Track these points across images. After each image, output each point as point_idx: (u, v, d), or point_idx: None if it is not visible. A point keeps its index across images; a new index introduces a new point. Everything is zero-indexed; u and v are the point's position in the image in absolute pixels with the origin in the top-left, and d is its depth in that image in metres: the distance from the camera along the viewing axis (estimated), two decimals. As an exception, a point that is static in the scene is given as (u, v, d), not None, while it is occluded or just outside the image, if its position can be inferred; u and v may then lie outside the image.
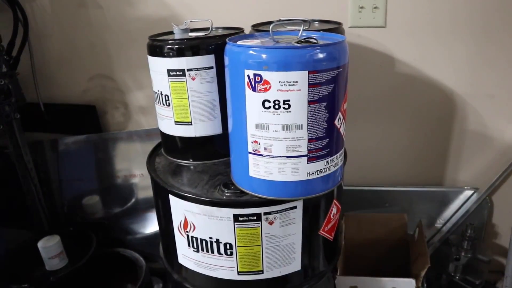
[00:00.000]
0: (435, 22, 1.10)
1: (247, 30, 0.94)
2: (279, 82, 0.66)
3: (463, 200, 1.28)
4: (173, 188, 0.81)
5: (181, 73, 0.83)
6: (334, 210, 0.87)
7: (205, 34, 0.89)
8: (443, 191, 1.30)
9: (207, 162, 0.92)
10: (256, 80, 0.67)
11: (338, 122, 0.73)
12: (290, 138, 0.70)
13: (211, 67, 0.84)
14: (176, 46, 0.82)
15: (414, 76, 1.17)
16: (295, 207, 0.79)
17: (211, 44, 0.83)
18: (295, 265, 0.83)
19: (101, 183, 1.43)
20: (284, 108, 0.68)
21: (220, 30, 0.94)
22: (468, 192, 1.28)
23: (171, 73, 0.84)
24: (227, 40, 0.74)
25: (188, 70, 0.83)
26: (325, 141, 0.72)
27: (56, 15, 1.25)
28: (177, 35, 0.86)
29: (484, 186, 1.26)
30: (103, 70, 1.30)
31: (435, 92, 1.19)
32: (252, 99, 0.69)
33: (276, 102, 0.68)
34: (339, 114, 0.73)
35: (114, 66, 1.29)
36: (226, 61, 0.73)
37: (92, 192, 1.47)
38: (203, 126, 0.88)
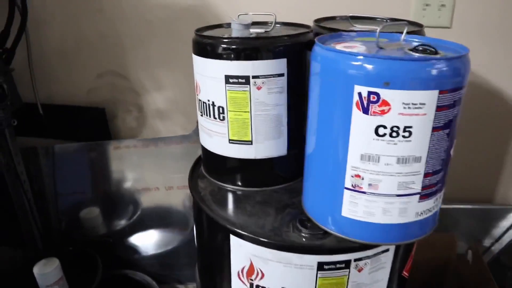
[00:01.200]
0: (507, 26, 0.97)
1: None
2: (403, 103, 0.51)
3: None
4: (236, 227, 0.65)
5: (244, 80, 0.66)
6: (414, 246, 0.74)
7: (266, 31, 0.72)
8: (493, 208, 1.19)
9: (266, 189, 0.75)
10: (371, 99, 0.52)
11: (452, 151, 0.59)
12: (404, 173, 0.55)
13: (282, 74, 0.67)
14: (241, 47, 0.65)
15: (475, 83, 1.04)
16: (387, 250, 0.64)
17: (283, 45, 0.66)
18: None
19: (101, 194, 1.24)
20: (403, 136, 0.53)
21: (278, 26, 0.77)
22: (521, 210, 1.17)
23: (231, 80, 0.67)
24: (317, 41, 0.58)
25: (254, 77, 0.66)
26: (440, 175, 0.58)
27: (58, -1, 1.05)
28: (237, 32, 0.68)
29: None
30: (115, 67, 1.10)
31: (496, 101, 1.06)
32: (361, 123, 0.54)
33: (395, 129, 0.53)
34: (455, 141, 0.58)
35: (128, 62, 1.09)
36: (316, 68, 0.57)
37: (91, 204, 1.28)
38: (265, 146, 0.71)
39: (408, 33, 0.70)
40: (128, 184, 1.18)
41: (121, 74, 1.10)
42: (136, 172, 1.17)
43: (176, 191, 1.19)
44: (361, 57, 0.51)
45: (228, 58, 0.65)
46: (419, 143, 0.54)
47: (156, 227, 1.27)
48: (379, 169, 0.55)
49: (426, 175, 0.56)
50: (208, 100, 0.71)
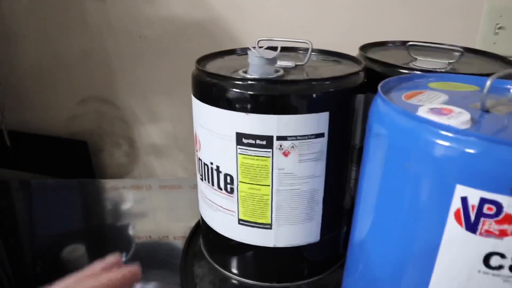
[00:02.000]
0: None
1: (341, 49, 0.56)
2: (541, 221, 0.30)
3: None
4: None
5: (264, 142, 0.45)
6: None
7: (297, 66, 0.51)
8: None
9: (287, 285, 0.54)
10: (485, 212, 0.30)
11: None
12: (522, 322, 0.34)
13: (321, 135, 0.46)
14: (262, 93, 0.44)
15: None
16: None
17: (326, 93, 0.45)
18: None
19: (85, 235, 1.04)
20: (532, 270, 0.31)
21: (313, 54, 0.56)
22: None
23: (245, 141, 0.46)
24: (380, 90, 0.37)
25: (280, 138, 0.45)
26: None
27: (34, 8, 0.84)
28: (256, 68, 0.47)
29: None
30: (101, 91, 0.90)
31: None
32: (460, 245, 0.32)
33: (520, 259, 0.31)
34: None
35: (116, 86, 0.89)
36: (381, 135, 0.36)
37: (75, 241, 1.07)
38: (290, 232, 0.50)
39: (488, 75, 0.49)
40: (114, 230, 0.98)
41: (108, 100, 0.90)
42: (126, 218, 0.97)
43: (172, 241, 0.98)
44: (474, 139, 0.30)
45: (243, 109, 0.44)
46: (557, 280, 0.32)
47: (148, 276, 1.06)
48: (482, 314, 0.34)
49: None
50: (211, 163, 0.50)
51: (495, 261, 0.31)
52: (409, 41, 0.60)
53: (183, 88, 0.85)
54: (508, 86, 0.42)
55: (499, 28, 0.74)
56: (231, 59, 0.57)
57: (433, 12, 0.75)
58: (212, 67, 0.52)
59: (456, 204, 0.31)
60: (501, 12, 0.72)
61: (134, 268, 0.37)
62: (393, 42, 0.65)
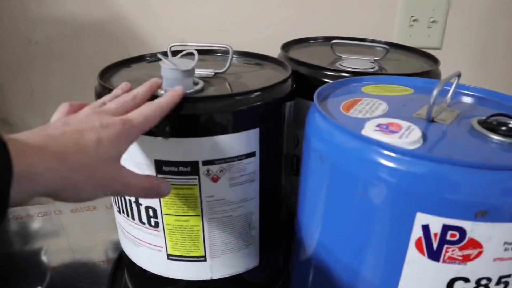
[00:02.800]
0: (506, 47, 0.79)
1: (265, 50, 0.51)
2: (504, 243, 0.27)
3: None
4: None
5: (189, 169, 0.39)
6: None
7: (216, 74, 0.45)
8: None
9: (228, 318, 0.49)
10: (448, 239, 0.27)
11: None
12: None
13: (252, 154, 0.40)
14: (181, 113, 0.37)
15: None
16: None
17: (255, 107, 0.39)
18: None
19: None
20: (495, 292, 0.29)
21: (229, 61, 0.50)
22: None
23: (166, 169, 0.39)
24: (317, 103, 0.33)
25: (206, 163, 0.39)
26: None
27: None
28: (170, 81, 0.40)
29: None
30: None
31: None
32: (423, 275, 0.29)
33: (483, 283, 0.29)
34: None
35: (6, 100, 0.76)
36: (322, 150, 0.32)
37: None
38: (227, 262, 0.45)
39: (418, 74, 0.48)
40: (23, 262, 0.85)
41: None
42: (36, 249, 0.84)
43: (93, 267, 0.88)
44: (434, 164, 0.26)
45: (160, 132, 0.37)
46: (517, 297, 0.31)
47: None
48: None
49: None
50: (127, 197, 0.42)
51: (459, 285, 0.29)
52: (332, 38, 0.56)
53: (88, 96, 0.75)
54: (449, 93, 0.40)
55: (414, 20, 0.74)
56: (140, 68, 0.49)
57: (349, 6, 0.73)
58: (118, 80, 0.44)
59: (417, 233, 0.28)
60: (415, 5, 0.72)
61: None
62: (315, 39, 0.61)
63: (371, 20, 0.74)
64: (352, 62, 0.51)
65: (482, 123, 0.33)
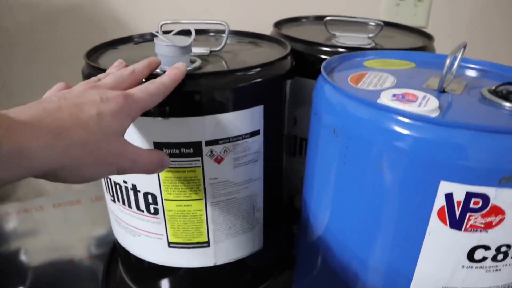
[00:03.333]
0: (493, 25, 0.80)
1: (261, 29, 0.50)
2: (526, 208, 0.27)
3: None
4: None
5: (191, 150, 0.37)
6: None
7: (212, 52, 0.44)
8: None
9: (232, 304, 0.48)
10: (472, 207, 0.27)
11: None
12: (500, 308, 0.32)
13: (257, 132, 0.39)
14: (184, 91, 0.35)
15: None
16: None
17: (259, 83, 0.38)
18: None
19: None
20: (513, 257, 0.29)
21: (221, 36, 0.48)
22: None
23: (166, 152, 0.37)
24: (326, 76, 0.31)
25: (209, 143, 0.37)
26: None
27: None
28: (167, 59, 0.38)
29: None
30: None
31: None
32: (444, 243, 0.29)
33: (503, 250, 0.29)
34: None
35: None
36: (337, 124, 0.31)
37: None
38: (231, 246, 0.43)
39: (413, 49, 0.48)
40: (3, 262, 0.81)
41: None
42: (17, 247, 0.80)
43: (80, 263, 0.85)
44: (460, 130, 0.25)
45: (159, 112, 0.35)
46: (532, 261, 0.31)
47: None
48: (464, 310, 0.31)
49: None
50: (125, 182, 0.40)
51: (479, 254, 0.29)
52: (324, 16, 0.55)
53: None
54: (437, 61, 0.40)
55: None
56: (128, 49, 0.47)
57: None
58: (106, 61, 0.42)
59: (439, 202, 0.27)
60: (402, -17, 0.72)
61: None
62: (306, 17, 0.60)
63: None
64: (347, 38, 0.50)
65: (493, 92, 0.32)
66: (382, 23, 0.52)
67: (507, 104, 0.30)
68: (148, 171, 0.31)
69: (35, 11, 0.67)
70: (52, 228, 0.80)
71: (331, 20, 0.53)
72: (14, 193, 0.80)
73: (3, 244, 0.83)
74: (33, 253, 0.79)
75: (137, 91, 0.30)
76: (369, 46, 0.48)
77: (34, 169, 0.24)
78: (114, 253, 0.56)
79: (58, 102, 0.26)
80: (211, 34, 0.51)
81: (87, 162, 0.26)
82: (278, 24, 0.55)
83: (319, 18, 0.59)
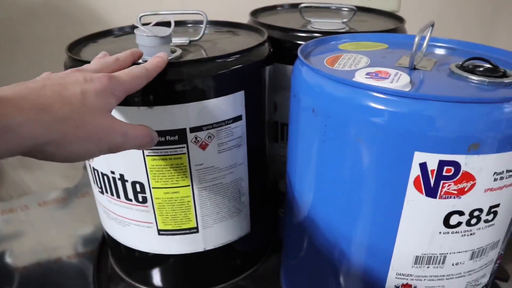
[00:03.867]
0: (462, 8, 0.83)
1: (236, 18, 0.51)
2: (494, 174, 0.29)
3: None
4: None
5: (176, 137, 0.38)
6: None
7: (191, 42, 0.44)
8: None
9: (222, 287, 0.49)
10: (445, 174, 0.29)
11: None
12: (476, 269, 0.34)
13: (239, 118, 0.40)
14: (166, 79, 0.36)
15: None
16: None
17: (239, 69, 0.39)
18: None
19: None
20: (485, 221, 0.31)
21: (198, 27, 0.49)
22: None
23: (152, 140, 0.38)
24: (302, 58, 0.33)
25: (194, 129, 0.38)
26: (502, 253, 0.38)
27: None
28: (148, 50, 0.38)
29: None
30: None
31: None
32: (421, 212, 0.30)
33: (476, 214, 0.31)
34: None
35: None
36: (315, 104, 0.32)
37: None
38: (219, 231, 0.45)
39: (385, 31, 0.49)
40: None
41: None
42: (2, 247, 0.80)
43: (68, 261, 0.85)
44: (430, 102, 0.27)
45: (144, 101, 0.36)
46: (503, 224, 0.33)
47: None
48: (442, 273, 0.33)
49: (498, 258, 0.36)
50: (112, 173, 0.41)
51: (454, 219, 0.31)
52: (300, 3, 0.56)
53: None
54: (408, 41, 0.42)
55: (371, -16, 0.76)
56: (108, 43, 0.47)
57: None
58: (87, 55, 0.42)
59: (415, 171, 0.29)
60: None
61: None
62: (281, 6, 0.61)
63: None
64: (322, 24, 0.51)
65: (460, 67, 0.34)
66: (355, 8, 0.53)
67: (473, 78, 0.32)
68: (141, 145, 0.31)
69: (10, 8, 0.66)
70: (38, 227, 0.80)
71: (305, 7, 0.55)
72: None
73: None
74: (20, 253, 0.79)
75: (121, 73, 0.31)
76: (343, 30, 0.49)
77: (21, 144, 0.24)
78: (103, 245, 0.56)
79: (42, 82, 0.27)
80: (189, 25, 0.52)
81: (74, 137, 0.26)
82: (255, 13, 0.56)
83: (294, 6, 0.60)
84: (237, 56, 0.39)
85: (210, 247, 0.45)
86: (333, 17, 0.54)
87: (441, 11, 0.83)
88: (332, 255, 0.37)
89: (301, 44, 0.40)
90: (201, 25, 0.44)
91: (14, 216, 0.79)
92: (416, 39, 0.32)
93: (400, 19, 0.54)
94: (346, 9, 0.59)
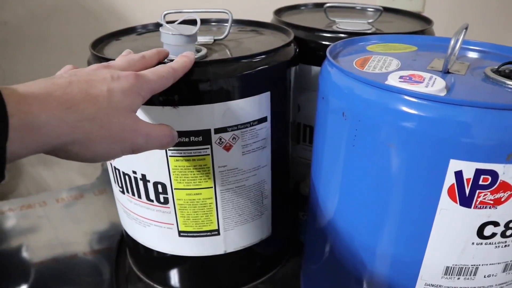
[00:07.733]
0: (488, 8, 0.81)
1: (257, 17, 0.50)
2: (534, 183, 0.28)
3: None
4: None
5: (200, 138, 0.37)
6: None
7: (216, 41, 0.44)
8: None
9: (242, 290, 0.48)
10: (481, 183, 0.27)
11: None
12: (508, 282, 0.33)
13: (264, 119, 0.39)
14: (191, 79, 0.35)
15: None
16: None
17: (265, 70, 0.38)
18: None
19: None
20: (522, 232, 0.30)
21: (224, 25, 0.48)
22: None
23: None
24: (331, 59, 0.32)
25: (218, 130, 0.37)
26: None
27: None
28: (173, 48, 0.38)
29: None
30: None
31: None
32: (454, 221, 0.29)
33: (511, 226, 0.29)
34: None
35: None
36: (345, 107, 0.32)
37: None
38: (240, 233, 0.44)
39: (412, 33, 0.48)
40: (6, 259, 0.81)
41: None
42: (19, 244, 0.80)
43: (84, 257, 0.85)
44: (468, 108, 0.26)
45: (168, 101, 0.36)
46: (539, 236, 0.32)
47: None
48: (473, 284, 0.32)
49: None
50: (134, 173, 0.40)
51: (488, 230, 0.29)
52: (322, 4, 0.56)
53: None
54: (438, 43, 0.41)
55: (395, -16, 0.74)
56: (131, 41, 0.47)
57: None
58: (111, 52, 0.42)
59: (449, 180, 0.28)
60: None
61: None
62: (305, 5, 0.60)
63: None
64: (348, 25, 0.50)
65: (496, 72, 0.33)
66: (381, 8, 0.52)
67: (510, 83, 0.31)
68: (162, 144, 0.31)
69: (33, 6, 0.67)
70: (55, 223, 0.81)
71: (330, 7, 0.54)
72: (17, 189, 0.80)
73: (7, 240, 0.83)
74: (36, 248, 0.80)
75: (147, 72, 0.30)
76: (370, 31, 0.48)
77: (45, 143, 0.24)
78: (122, 244, 0.56)
79: (69, 78, 0.26)
80: (213, 23, 0.51)
81: (98, 137, 0.26)
82: (278, 12, 0.55)
83: (318, 6, 0.59)
84: (264, 56, 0.38)
85: (230, 249, 0.44)
86: (358, 18, 0.53)
87: (466, 12, 0.81)
88: (355, 263, 0.37)
89: (326, 44, 0.39)
90: (225, 24, 0.43)
91: (32, 211, 0.79)
92: (452, 42, 0.31)
93: (428, 21, 0.53)
94: (372, 9, 0.57)
